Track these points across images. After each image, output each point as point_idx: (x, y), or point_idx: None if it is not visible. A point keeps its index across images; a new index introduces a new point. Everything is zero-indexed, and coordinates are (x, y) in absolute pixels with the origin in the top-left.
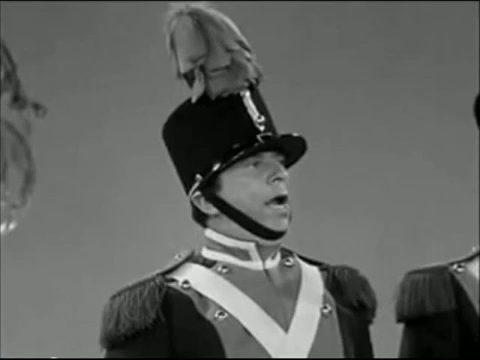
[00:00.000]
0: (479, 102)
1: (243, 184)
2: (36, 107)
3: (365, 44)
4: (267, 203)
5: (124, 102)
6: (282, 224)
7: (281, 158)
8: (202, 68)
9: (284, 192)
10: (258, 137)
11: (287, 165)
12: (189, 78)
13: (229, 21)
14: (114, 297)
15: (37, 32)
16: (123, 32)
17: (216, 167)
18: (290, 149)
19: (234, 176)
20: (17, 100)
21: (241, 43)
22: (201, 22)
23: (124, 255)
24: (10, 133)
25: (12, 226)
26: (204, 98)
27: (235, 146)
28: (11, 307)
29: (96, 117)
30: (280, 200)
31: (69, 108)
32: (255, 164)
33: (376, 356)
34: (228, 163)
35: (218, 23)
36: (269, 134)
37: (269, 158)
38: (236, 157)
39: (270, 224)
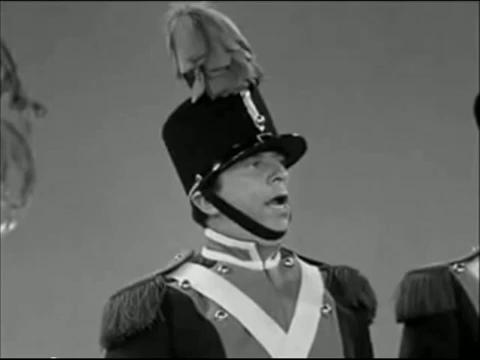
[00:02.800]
0: (479, 102)
1: (243, 184)
2: (36, 107)
3: (365, 44)
4: (267, 203)
5: (124, 102)
6: (282, 224)
7: (281, 158)
8: (202, 68)
9: (284, 192)
10: (258, 137)
11: (287, 165)
12: (189, 78)
13: (229, 21)
14: (114, 297)
15: (37, 32)
16: (123, 32)
17: (216, 167)
18: (290, 149)
19: (234, 176)
20: (17, 100)
21: (241, 43)
22: (201, 22)
23: (124, 255)
24: (10, 133)
25: (12, 226)
26: (204, 98)
27: (235, 146)
28: (11, 307)
29: (96, 117)
30: (280, 200)
31: (69, 108)
32: (255, 164)
33: (376, 356)
34: (228, 163)
35: (218, 23)
36: (269, 134)
37: (269, 158)
38: (236, 157)
39: (270, 224)
